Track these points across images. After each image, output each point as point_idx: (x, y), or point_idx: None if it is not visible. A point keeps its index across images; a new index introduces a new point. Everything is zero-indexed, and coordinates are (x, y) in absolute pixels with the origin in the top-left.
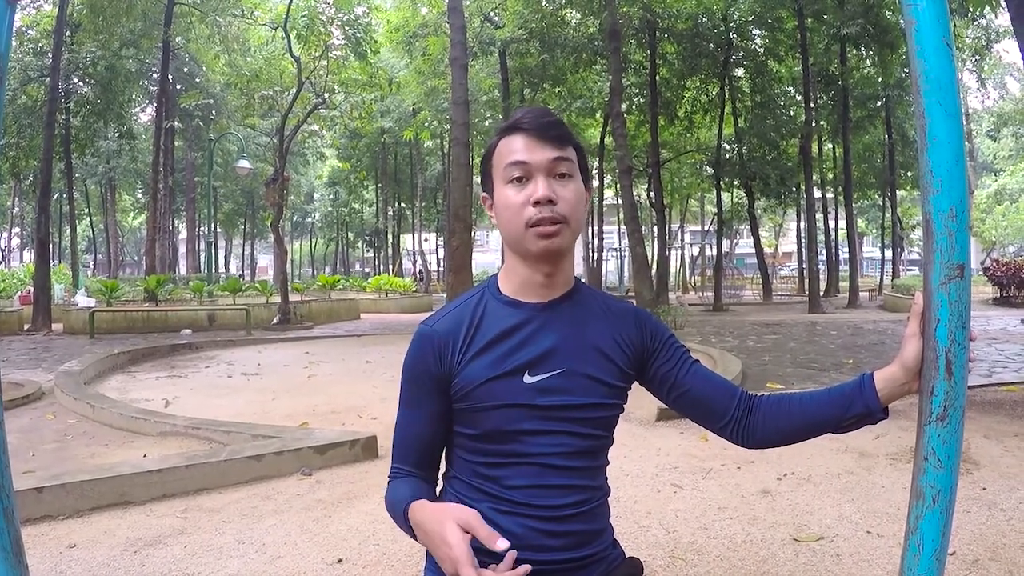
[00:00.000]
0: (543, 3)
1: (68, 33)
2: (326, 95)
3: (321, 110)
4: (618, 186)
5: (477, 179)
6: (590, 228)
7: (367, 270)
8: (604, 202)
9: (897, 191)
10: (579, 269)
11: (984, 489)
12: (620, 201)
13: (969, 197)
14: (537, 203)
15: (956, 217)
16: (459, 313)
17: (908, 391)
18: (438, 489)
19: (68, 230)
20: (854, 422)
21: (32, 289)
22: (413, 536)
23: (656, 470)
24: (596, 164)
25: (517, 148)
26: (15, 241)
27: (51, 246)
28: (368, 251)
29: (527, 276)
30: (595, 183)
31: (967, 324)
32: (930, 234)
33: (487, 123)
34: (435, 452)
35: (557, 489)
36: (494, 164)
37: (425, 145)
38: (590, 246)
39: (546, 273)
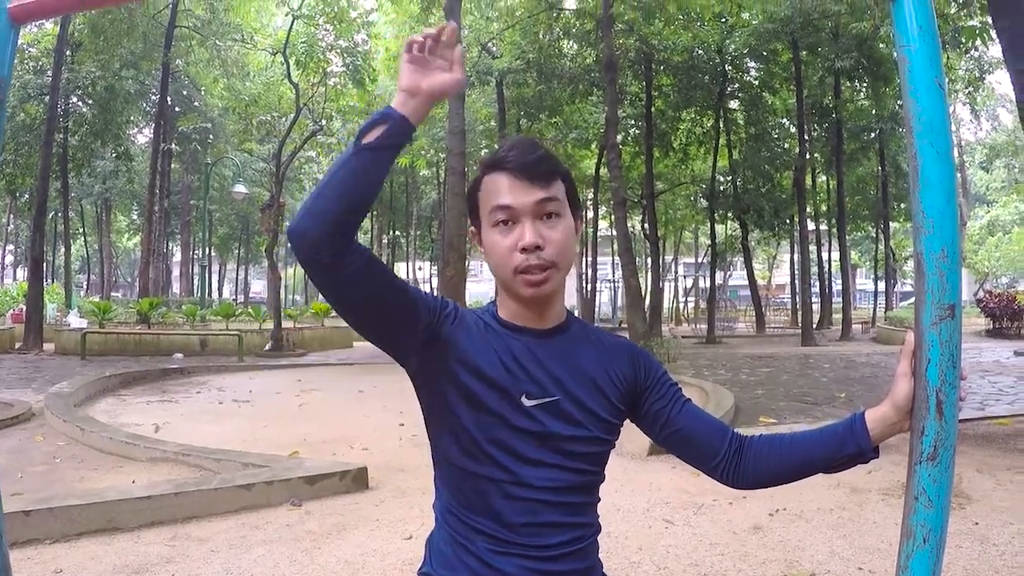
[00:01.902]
0: (540, 34)
1: (69, 52)
2: (323, 122)
3: (318, 136)
4: (612, 217)
5: None
6: (583, 259)
7: None
8: (598, 233)
9: (890, 223)
10: (572, 300)
11: (976, 524)
12: (614, 232)
13: (962, 229)
14: (524, 249)
15: (948, 257)
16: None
17: (899, 430)
18: (433, 526)
19: (62, 249)
20: (845, 462)
21: (24, 308)
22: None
23: (647, 505)
24: (591, 195)
25: (502, 189)
26: (8, 258)
27: (45, 265)
28: None
29: (519, 311)
30: (589, 214)
31: (958, 364)
32: (922, 274)
33: (483, 152)
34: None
35: (551, 527)
36: (480, 201)
37: (421, 173)
38: (583, 277)
39: (536, 311)
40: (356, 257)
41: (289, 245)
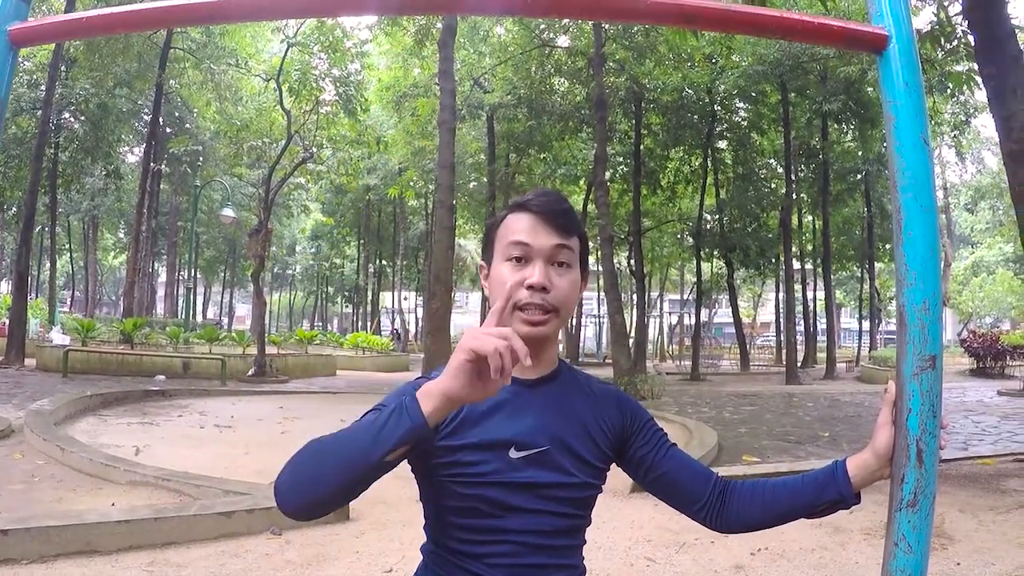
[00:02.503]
0: (532, 71)
1: (63, 68)
2: (314, 149)
3: (308, 164)
4: (599, 253)
5: (460, 241)
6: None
7: (345, 326)
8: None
9: (875, 263)
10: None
11: (959, 564)
12: (600, 268)
13: (946, 270)
14: (531, 287)
15: (929, 310)
16: None
17: (880, 477)
18: (417, 565)
19: (47, 264)
20: (827, 507)
21: (7, 322)
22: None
23: (629, 543)
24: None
25: (522, 228)
26: None
27: (29, 279)
28: (347, 307)
29: None
30: None
31: (938, 413)
32: (903, 325)
33: (471, 185)
34: None
35: (537, 569)
36: (497, 237)
37: (409, 204)
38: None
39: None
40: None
41: (275, 270)
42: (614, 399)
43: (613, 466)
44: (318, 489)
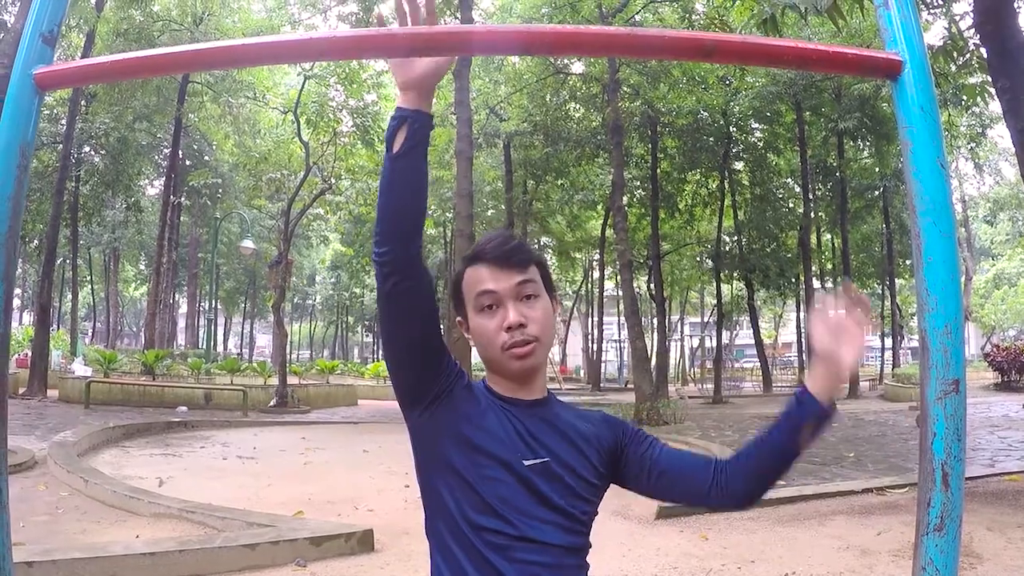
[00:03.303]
0: (547, 98)
1: (83, 103)
2: (333, 180)
3: (327, 195)
4: (618, 279)
5: None
6: (590, 320)
7: (366, 355)
8: (604, 294)
9: (896, 279)
10: (578, 360)
11: None
12: (620, 293)
13: (967, 283)
14: (509, 328)
15: (951, 334)
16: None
17: (840, 380)
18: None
19: (69, 296)
20: (810, 430)
21: (30, 353)
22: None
23: (655, 570)
24: (597, 256)
25: (484, 278)
26: (15, 303)
27: (51, 311)
28: (367, 336)
29: (508, 385)
30: (595, 274)
31: (963, 437)
32: (926, 350)
33: (489, 213)
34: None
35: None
36: (464, 292)
37: (428, 233)
38: (589, 337)
39: (522, 384)
40: (418, 272)
41: (295, 300)
42: (601, 418)
43: (634, 496)
44: (383, 218)
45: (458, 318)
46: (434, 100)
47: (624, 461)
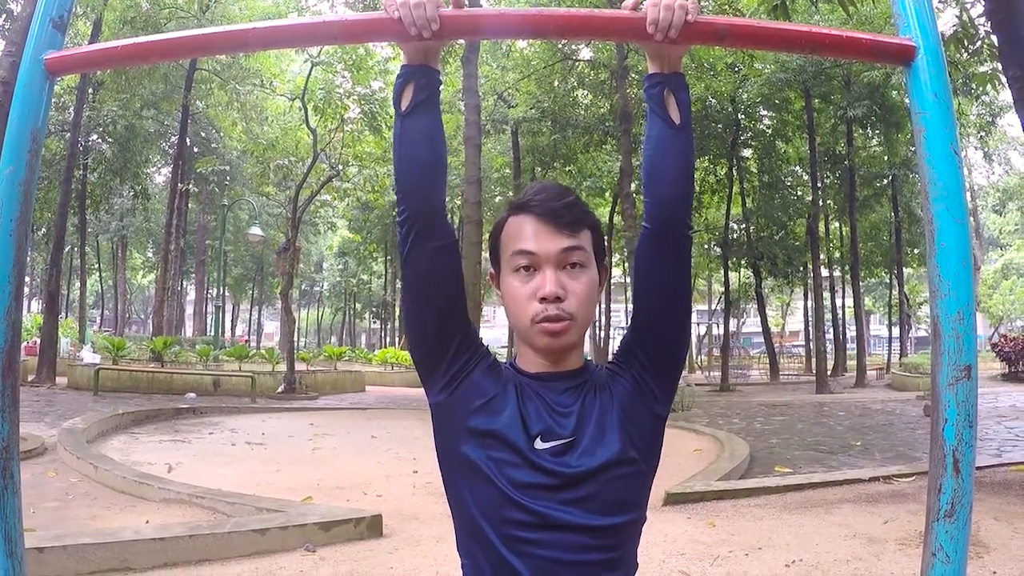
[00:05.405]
0: (555, 84)
1: (91, 91)
2: (340, 167)
3: (335, 181)
4: (626, 265)
5: (486, 255)
6: (598, 305)
7: (373, 342)
8: (612, 281)
9: (904, 268)
10: (586, 346)
11: (995, 573)
12: (628, 280)
13: (976, 273)
14: (544, 299)
15: (963, 320)
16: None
17: (661, 49)
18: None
19: (77, 284)
20: (671, 98)
21: (39, 340)
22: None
23: (663, 556)
24: (605, 243)
25: (526, 234)
26: (23, 290)
27: (59, 299)
28: (375, 323)
29: (536, 359)
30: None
31: (974, 423)
32: (938, 336)
33: (497, 200)
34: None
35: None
36: (502, 244)
37: None
38: (597, 323)
39: (553, 360)
40: (442, 232)
41: (302, 287)
42: (617, 368)
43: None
44: (400, 173)
45: (491, 270)
46: (442, 88)
47: (644, 375)
